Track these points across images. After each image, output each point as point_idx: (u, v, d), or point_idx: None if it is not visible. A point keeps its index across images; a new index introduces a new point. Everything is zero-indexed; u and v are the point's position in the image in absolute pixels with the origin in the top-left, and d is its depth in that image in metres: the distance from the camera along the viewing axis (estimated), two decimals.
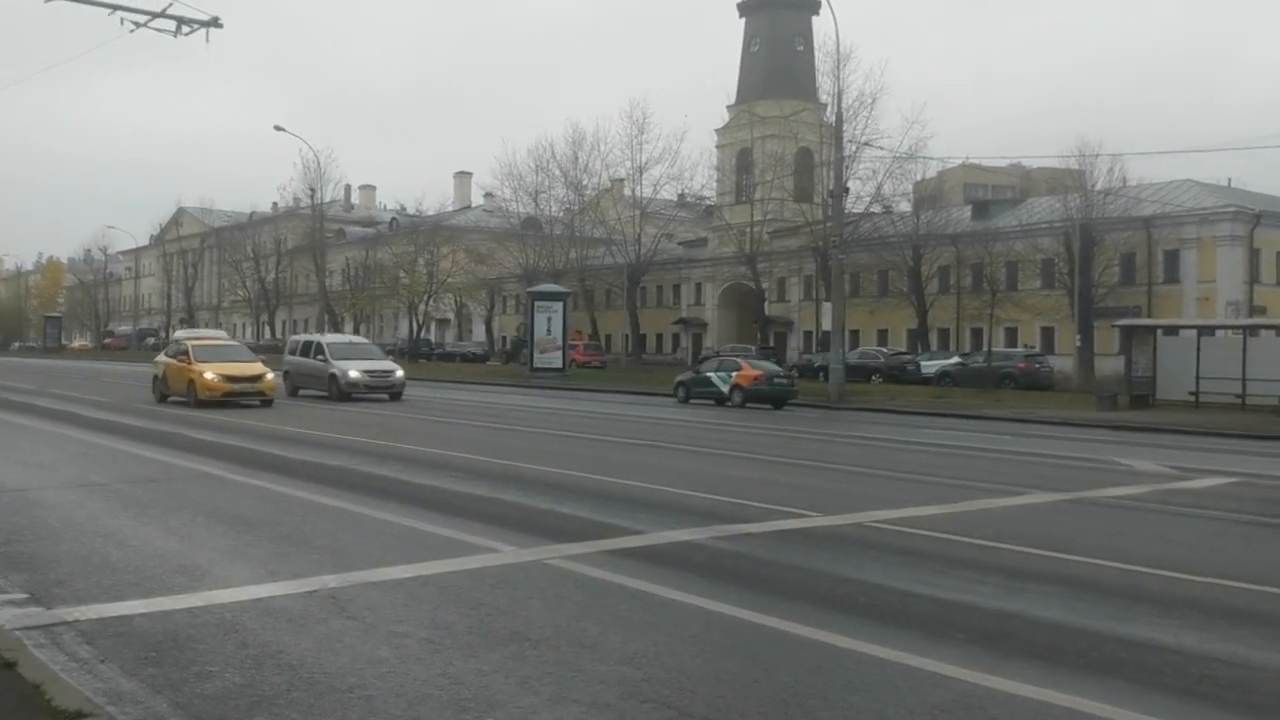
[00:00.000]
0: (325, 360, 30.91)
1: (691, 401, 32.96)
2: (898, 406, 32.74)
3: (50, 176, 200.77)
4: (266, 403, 26.58)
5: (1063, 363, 47.50)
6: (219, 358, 27.18)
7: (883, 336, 60.55)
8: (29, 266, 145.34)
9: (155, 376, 28.78)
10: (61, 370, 53.05)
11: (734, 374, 32.24)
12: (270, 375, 27.09)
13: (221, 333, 39.89)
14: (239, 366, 26.95)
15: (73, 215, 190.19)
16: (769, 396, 31.74)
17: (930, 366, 47.51)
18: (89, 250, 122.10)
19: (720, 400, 32.09)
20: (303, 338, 36.26)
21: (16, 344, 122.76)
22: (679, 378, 35.96)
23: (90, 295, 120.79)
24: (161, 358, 29.01)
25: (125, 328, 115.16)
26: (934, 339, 56.26)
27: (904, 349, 56.03)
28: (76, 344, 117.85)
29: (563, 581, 7.96)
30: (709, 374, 33.49)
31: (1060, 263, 50.19)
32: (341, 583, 7.70)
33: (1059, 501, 12.93)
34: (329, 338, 34.73)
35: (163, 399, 27.84)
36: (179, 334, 32.83)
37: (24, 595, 7.27)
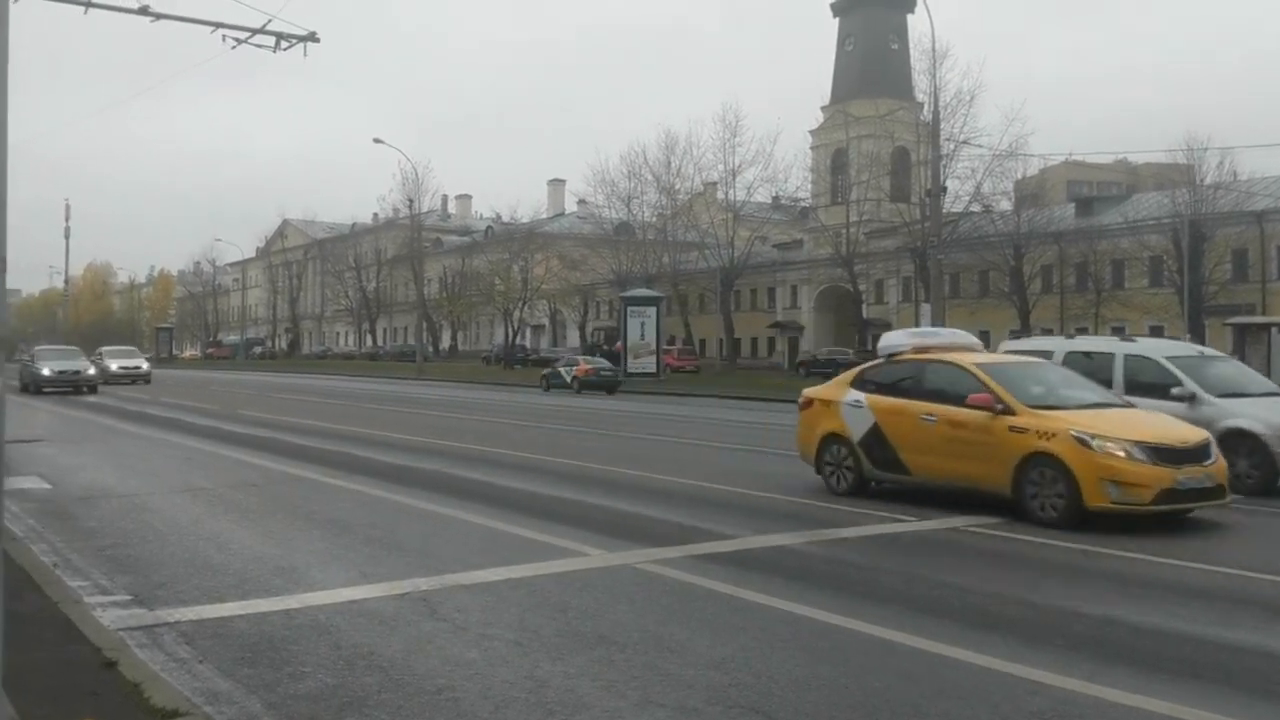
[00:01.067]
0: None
1: (551, 390, 43.10)
2: None
3: (160, 192, 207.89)
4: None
5: None
6: (1053, 393, 11.92)
7: (984, 338, 58.57)
8: (141, 279, 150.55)
9: (835, 437, 13.00)
10: (173, 379, 54.66)
11: (574, 369, 43.77)
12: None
13: (960, 333, 14.45)
14: (1150, 424, 11.27)
15: (182, 229, 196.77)
16: (598, 384, 42.53)
17: None
18: (198, 263, 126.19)
19: (567, 387, 42.51)
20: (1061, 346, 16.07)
21: None
22: (544, 372, 46.88)
23: (200, 306, 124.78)
24: (863, 398, 12.84)
25: (234, 337, 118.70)
26: None
27: None
28: (187, 354, 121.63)
29: (650, 585, 7.94)
30: (560, 369, 44.71)
31: (1169, 260, 48.67)
32: (432, 585, 7.79)
33: None
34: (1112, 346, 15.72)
35: (860, 482, 12.63)
36: (893, 338, 14.39)
37: (128, 597, 7.50)
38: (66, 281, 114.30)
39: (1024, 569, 8.68)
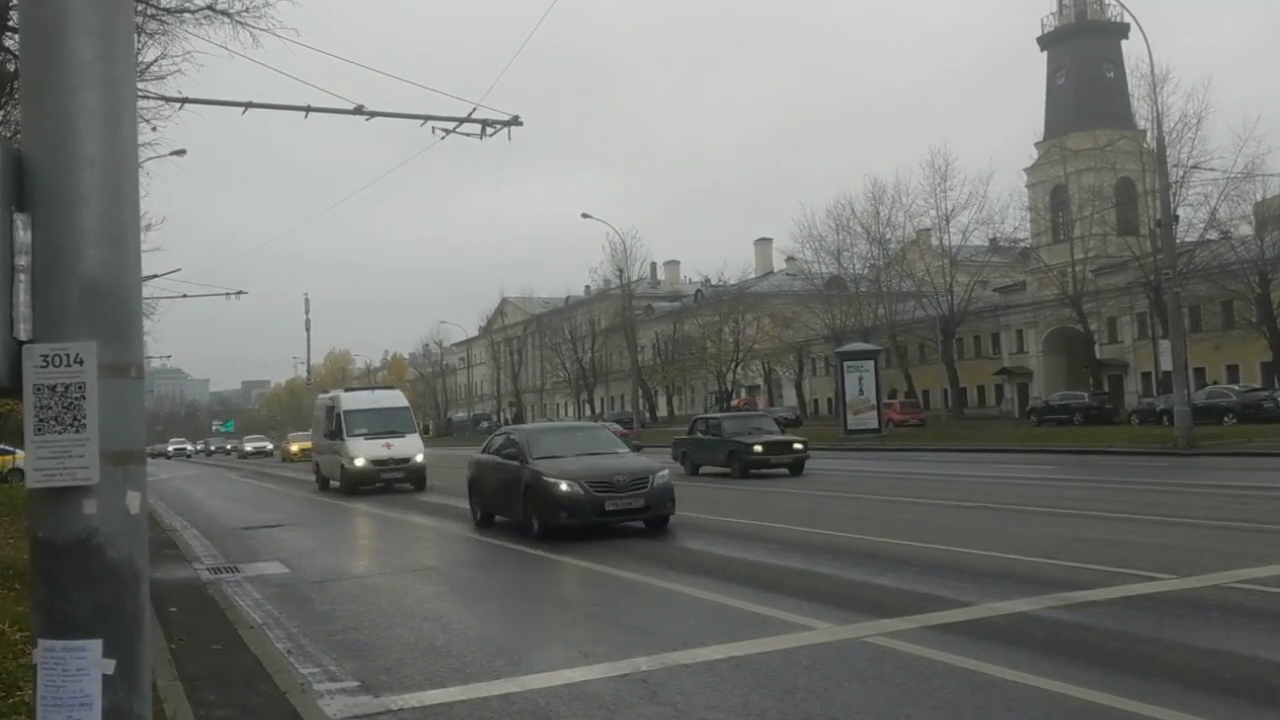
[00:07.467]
0: None
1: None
2: (1258, 449, 29.57)
3: (389, 279, 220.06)
4: None
5: None
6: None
7: (1232, 372, 55.26)
8: (377, 364, 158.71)
9: None
10: None
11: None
12: None
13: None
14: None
15: (412, 313, 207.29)
16: None
17: None
18: (427, 345, 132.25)
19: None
20: None
21: None
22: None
23: (430, 386, 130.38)
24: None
25: (461, 414, 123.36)
26: None
27: (1258, 384, 50.86)
28: None
29: (882, 661, 7.43)
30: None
31: None
32: (653, 665, 7.53)
33: None
34: None
35: None
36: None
37: (355, 683, 7.54)
38: (309, 370, 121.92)
39: None
